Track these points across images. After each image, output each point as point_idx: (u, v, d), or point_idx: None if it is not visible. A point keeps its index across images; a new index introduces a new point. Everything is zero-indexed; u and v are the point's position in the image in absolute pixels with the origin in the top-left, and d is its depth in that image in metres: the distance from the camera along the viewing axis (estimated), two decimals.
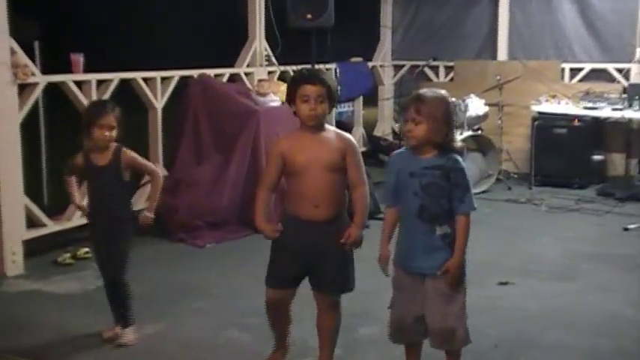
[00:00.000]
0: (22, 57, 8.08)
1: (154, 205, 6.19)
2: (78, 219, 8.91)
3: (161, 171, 9.75)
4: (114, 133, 5.94)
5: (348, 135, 5.27)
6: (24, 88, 8.19)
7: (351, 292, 5.36)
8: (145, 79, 9.83)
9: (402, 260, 5.03)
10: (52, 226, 8.50)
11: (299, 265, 5.21)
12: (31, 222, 8.19)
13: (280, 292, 5.31)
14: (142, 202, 9.71)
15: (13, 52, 7.94)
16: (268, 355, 5.58)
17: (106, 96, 9.13)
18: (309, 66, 11.13)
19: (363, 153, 13.74)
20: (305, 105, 5.00)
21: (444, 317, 4.88)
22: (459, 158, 4.89)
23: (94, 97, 8.99)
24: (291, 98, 5.09)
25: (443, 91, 4.93)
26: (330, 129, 5.25)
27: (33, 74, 8.25)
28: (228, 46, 12.02)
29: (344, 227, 5.18)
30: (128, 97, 9.65)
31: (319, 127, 5.13)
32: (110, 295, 6.19)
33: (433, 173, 4.78)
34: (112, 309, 6.21)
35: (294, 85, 5.08)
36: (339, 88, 13.15)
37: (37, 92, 8.42)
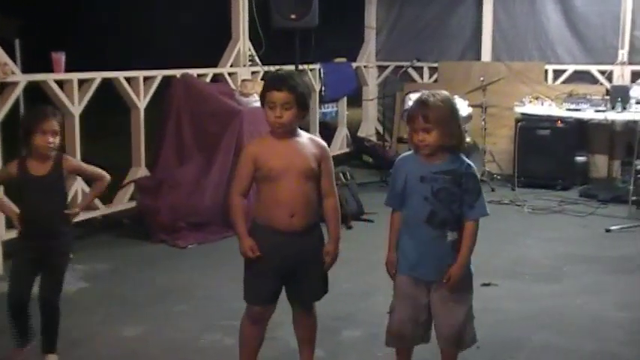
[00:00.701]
0: (2, 55, 8.05)
1: (86, 203, 5.98)
2: None
3: (144, 172, 9.78)
4: (57, 139, 5.49)
5: (322, 141, 5.15)
6: (4, 87, 8.17)
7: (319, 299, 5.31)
8: (128, 79, 9.79)
9: (408, 267, 4.93)
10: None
11: (278, 278, 5.06)
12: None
13: (260, 308, 5.12)
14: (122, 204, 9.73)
15: None
16: None
17: (88, 95, 9.12)
18: (290, 67, 11.13)
19: (347, 154, 13.89)
20: (271, 112, 4.87)
21: (452, 323, 4.92)
22: (471, 164, 4.88)
23: (76, 96, 8.98)
24: (261, 103, 5.00)
25: (444, 92, 4.87)
26: (304, 134, 5.09)
27: (13, 73, 8.23)
28: (211, 46, 11.98)
29: (320, 237, 5.11)
30: (110, 97, 9.64)
31: (291, 133, 4.98)
32: (44, 317, 5.62)
33: (444, 178, 4.74)
34: (24, 329, 5.62)
35: (263, 89, 4.97)
36: (323, 88, 13.33)
37: (18, 91, 8.39)
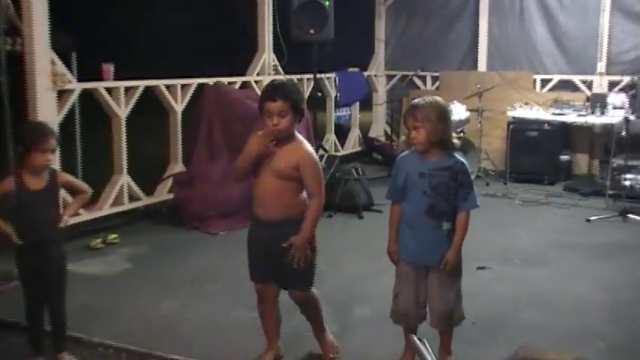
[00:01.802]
0: (61, 67, 8.09)
1: (71, 212, 5.52)
2: (108, 208, 8.95)
3: (180, 167, 9.77)
4: (53, 155, 5.33)
5: (305, 150, 4.99)
6: (62, 94, 8.19)
7: (310, 289, 5.17)
8: (167, 86, 9.81)
9: (409, 255, 5.00)
10: (85, 215, 8.46)
11: (261, 259, 5.09)
12: None
13: (260, 285, 5.20)
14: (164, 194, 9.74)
15: (53, 63, 7.94)
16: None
17: (133, 101, 9.15)
18: (309, 75, 11.10)
19: (359, 152, 13.86)
20: (269, 120, 4.84)
21: (446, 303, 4.97)
22: (464, 161, 4.94)
23: (123, 101, 9.00)
24: (260, 112, 4.94)
25: (436, 97, 4.93)
26: (297, 141, 5.00)
27: (70, 82, 8.25)
28: (240, 57, 11.97)
29: (296, 231, 4.96)
30: (152, 101, 9.65)
31: (287, 139, 4.92)
32: (51, 320, 5.42)
33: (442, 174, 4.81)
34: (37, 337, 5.41)
35: (260, 101, 4.94)
36: (337, 94, 13.31)
37: (74, 97, 8.42)
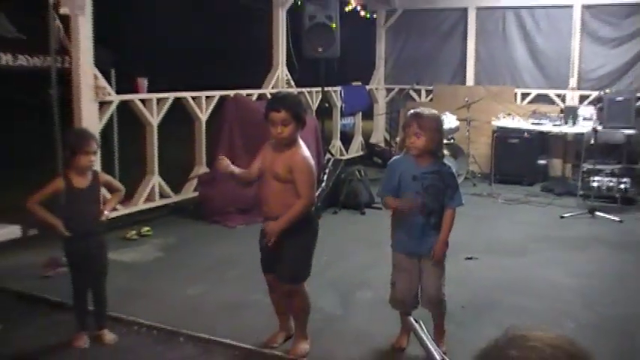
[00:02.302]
0: (102, 81, 8.13)
1: (110, 207, 5.58)
2: (142, 204, 9.00)
3: (204, 169, 9.80)
4: (95, 157, 5.40)
5: (301, 157, 4.88)
6: (102, 105, 8.22)
7: (298, 284, 5.06)
8: (193, 98, 9.83)
9: (403, 247, 5.06)
10: (122, 210, 8.49)
11: (266, 253, 5.06)
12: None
13: (268, 276, 5.17)
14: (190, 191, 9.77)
15: (95, 78, 7.99)
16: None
17: (164, 110, 9.19)
18: (317, 89, 11.11)
19: (362, 156, 13.88)
20: (273, 128, 4.79)
21: (437, 289, 5.03)
22: (451, 166, 5.03)
23: (155, 111, 9.04)
24: (266, 119, 4.86)
25: (434, 110, 4.97)
26: (298, 148, 4.91)
27: (109, 94, 8.29)
28: (257, 72, 12.01)
29: (295, 229, 4.88)
30: (178, 111, 9.69)
31: (289, 145, 4.86)
32: (94, 301, 5.50)
33: (433, 177, 4.87)
34: (82, 315, 5.47)
35: (265, 111, 4.86)
36: (343, 105, 13.34)
37: (112, 108, 8.47)
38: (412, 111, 4.99)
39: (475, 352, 1.36)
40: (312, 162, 4.96)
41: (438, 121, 4.92)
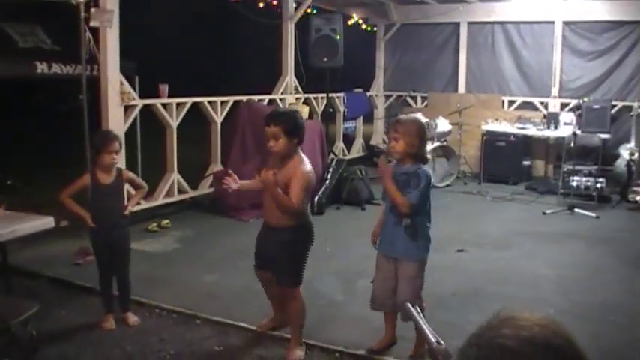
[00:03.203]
0: (127, 86, 8.16)
1: (134, 202, 5.64)
2: (162, 199, 9.04)
3: (219, 167, 9.83)
4: (119, 156, 5.48)
5: (300, 168, 4.65)
6: (127, 109, 8.26)
7: (294, 287, 4.88)
8: (210, 102, 9.87)
9: (380, 245, 4.85)
10: (144, 204, 8.52)
11: (258, 253, 5.03)
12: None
13: (258, 272, 5.10)
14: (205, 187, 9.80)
15: (121, 84, 8.02)
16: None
17: (183, 113, 9.24)
18: (326, 94, 11.13)
19: (363, 157, 13.90)
20: (267, 142, 4.66)
21: (403, 293, 4.61)
22: (425, 170, 4.59)
23: (174, 114, 9.08)
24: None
25: (418, 115, 4.78)
26: (300, 162, 4.69)
27: (134, 99, 8.33)
28: (268, 79, 12.04)
29: (292, 236, 4.77)
30: (195, 114, 9.72)
31: (288, 157, 4.68)
32: (118, 286, 5.57)
33: (402, 178, 4.56)
34: (108, 299, 5.54)
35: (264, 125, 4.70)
36: (345, 110, 13.35)
37: (136, 111, 8.50)
38: (397, 117, 4.86)
39: (464, 334, 1.42)
40: (312, 177, 4.75)
41: (417, 126, 4.61)
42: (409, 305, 2.21)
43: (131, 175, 5.79)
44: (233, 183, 5.00)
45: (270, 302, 5.31)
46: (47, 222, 5.22)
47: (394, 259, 4.72)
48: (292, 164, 4.67)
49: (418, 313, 2.11)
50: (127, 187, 5.83)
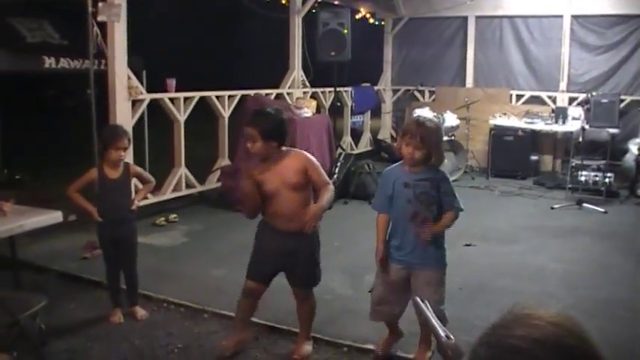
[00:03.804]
0: (135, 81, 8.19)
1: (141, 197, 5.65)
2: (170, 194, 9.06)
3: (226, 161, 9.84)
4: (126, 152, 5.42)
5: (301, 153, 4.62)
6: (135, 103, 8.28)
7: (310, 289, 4.84)
8: (217, 97, 9.88)
9: (392, 253, 4.53)
10: (152, 198, 8.56)
11: (276, 266, 4.73)
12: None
13: (256, 285, 4.79)
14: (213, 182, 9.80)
15: (129, 78, 8.05)
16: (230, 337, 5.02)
17: (190, 108, 9.24)
18: (333, 89, 11.11)
19: (370, 152, 13.89)
20: (248, 142, 4.52)
21: (435, 302, 4.14)
22: (445, 172, 4.48)
23: (182, 109, 9.09)
24: None
25: (435, 120, 4.42)
26: (291, 154, 4.57)
27: (141, 93, 8.35)
28: (275, 73, 12.04)
29: (312, 237, 4.66)
30: (203, 108, 9.73)
31: (273, 157, 4.52)
32: (126, 280, 5.58)
33: (424, 184, 4.31)
34: (115, 293, 5.56)
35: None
36: (353, 104, 13.34)
37: (144, 106, 8.52)
38: (416, 118, 4.50)
39: (471, 328, 1.42)
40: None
41: (438, 134, 4.38)
42: (418, 300, 2.20)
43: (138, 169, 5.80)
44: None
45: (238, 318, 5.02)
46: (55, 216, 5.23)
47: (409, 268, 4.48)
48: (292, 158, 4.54)
49: (427, 308, 2.10)
50: (134, 181, 5.84)
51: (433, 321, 1.99)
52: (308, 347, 4.96)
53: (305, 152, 4.67)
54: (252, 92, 10.39)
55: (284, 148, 4.59)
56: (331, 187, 4.56)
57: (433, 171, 4.37)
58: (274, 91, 11.24)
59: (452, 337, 1.86)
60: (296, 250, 4.64)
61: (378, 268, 4.66)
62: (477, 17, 13.70)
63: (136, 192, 5.92)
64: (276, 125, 4.50)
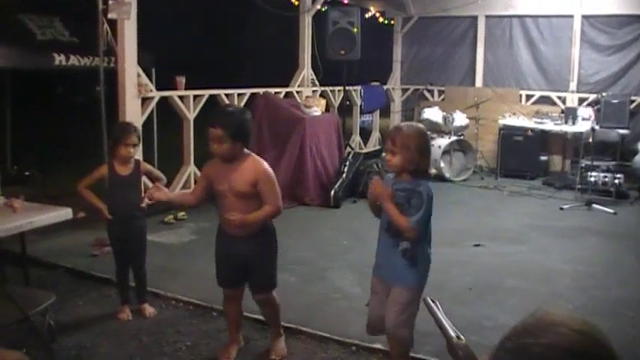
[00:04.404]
0: (144, 79, 8.20)
1: (151, 194, 5.75)
2: (179, 190, 9.02)
3: None
4: (136, 149, 5.40)
5: (263, 167, 4.37)
6: (144, 101, 8.28)
7: (272, 291, 4.70)
8: (227, 95, 9.85)
9: (374, 268, 4.33)
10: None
11: (235, 269, 4.59)
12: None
13: (229, 290, 4.74)
14: None
15: (138, 76, 8.05)
16: (224, 345, 4.93)
17: (200, 106, 9.24)
18: (342, 88, 11.11)
19: (379, 150, 13.88)
20: (211, 143, 4.32)
21: (394, 324, 4.04)
22: (424, 183, 3.98)
23: (191, 107, 9.09)
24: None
25: (420, 125, 4.11)
26: (249, 159, 4.39)
27: (151, 91, 8.36)
28: (285, 72, 12.03)
29: (263, 242, 4.54)
30: (212, 107, 9.73)
31: (235, 159, 4.35)
32: (135, 278, 5.59)
33: (399, 195, 3.96)
34: (124, 290, 5.56)
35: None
36: (362, 103, 13.33)
37: (153, 103, 8.52)
38: (397, 124, 4.31)
39: (480, 329, 1.40)
40: (271, 169, 4.47)
41: (417, 140, 3.97)
42: (429, 300, 2.18)
43: (149, 166, 5.80)
44: (157, 192, 4.69)
45: (229, 323, 4.97)
46: (65, 213, 5.24)
47: (385, 283, 4.20)
48: (247, 165, 4.37)
49: (438, 308, 2.09)
50: (144, 178, 5.84)
51: (444, 321, 1.97)
52: (282, 345, 4.94)
53: (264, 164, 4.44)
54: (261, 90, 10.39)
55: (246, 151, 4.44)
56: (275, 209, 4.38)
57: (415, 182, 3.98)
58: (283, 90, 11.23)
59: (462, 337, 1.85)
60: (245, 254, 4.51)
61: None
62: (487, 17, 13.64)
63: (146, 190, 5.93)
64: (243, 124, 4.39)
